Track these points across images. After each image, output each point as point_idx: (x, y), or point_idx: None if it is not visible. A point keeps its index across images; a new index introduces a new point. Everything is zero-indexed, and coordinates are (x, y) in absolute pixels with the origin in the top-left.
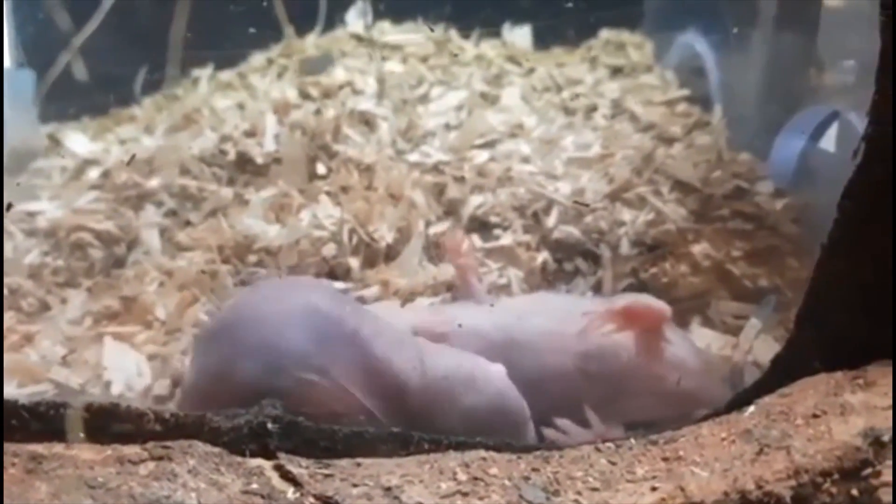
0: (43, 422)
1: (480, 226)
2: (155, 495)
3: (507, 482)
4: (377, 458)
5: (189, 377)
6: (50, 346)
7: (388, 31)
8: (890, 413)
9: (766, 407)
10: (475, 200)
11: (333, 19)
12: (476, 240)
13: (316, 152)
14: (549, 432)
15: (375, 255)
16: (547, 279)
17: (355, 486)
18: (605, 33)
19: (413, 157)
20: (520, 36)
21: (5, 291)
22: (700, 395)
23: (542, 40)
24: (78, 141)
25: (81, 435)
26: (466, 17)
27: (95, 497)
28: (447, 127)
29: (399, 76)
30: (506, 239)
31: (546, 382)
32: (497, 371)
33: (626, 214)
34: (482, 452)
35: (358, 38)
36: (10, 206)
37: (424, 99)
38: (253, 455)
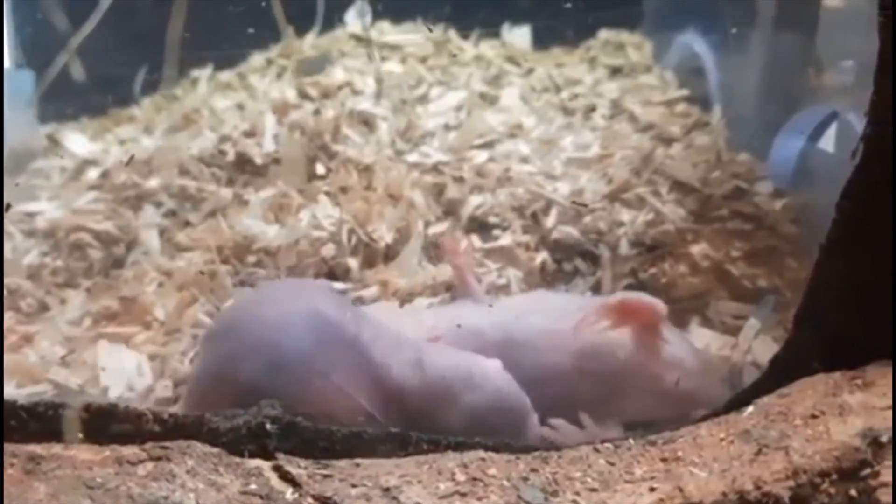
0: (42, 422)
1: (479, 226)
2: (153, 496)
3: (505, 483)
4: (376, 459)
5: (193, 378)
6: (49, 347)
7: (387, 32)
8: (888, 413)
9: (765, 407)
10: (474, 201)
11: (333, 19)
12: (475, 240)
13: (315, 152)
14: (543, 430)
15: (374, 256)
16: (546, 279)
17: (354, 486)
18: (605, 33)
19: (412, 157)
20: (519, 36)
21: (4, 292)
22: (698, 395)
23: (542, 40)
24: (77, 141)
25: (80, 435)
26: (465, 18)
27: (94, 497)
28: (446, 127)
29: (398, 76)
30: (505, 239)
31: (544, 381)
32: (494, 366)
33: (625, 215)
34: (481, 453)
35: (357, 39)
36: (9, 206)
37: (423, 99)
38: (252, 456)
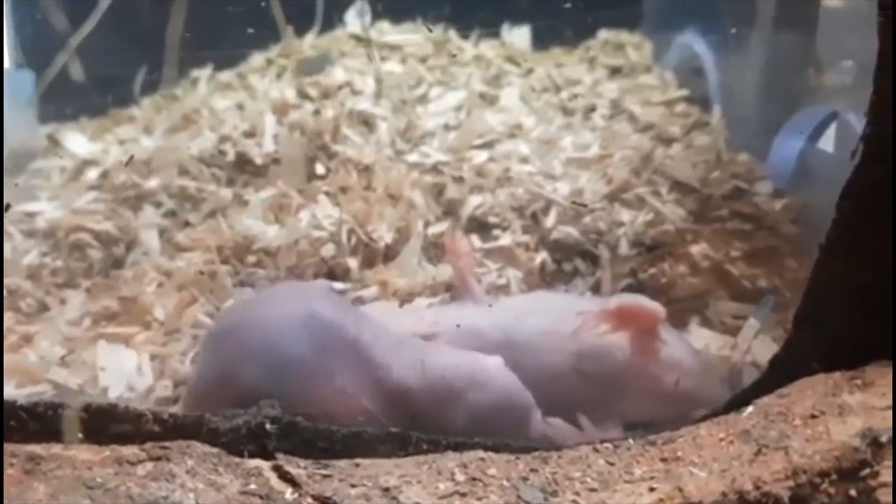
0: (41, 422)
1: (479, 226)
2: (153, 496)
3: (505, 483)
4: (375, 459)
5: (193, 380)
6: (48, 347)
7: (386, 32)
8: (888, 413)
9: (765, 407)
10: (474, 201)
11: (332, 19)
12: (475, 240)
13: (315, 153)
14: (546, 426)
15: (374, 256)
16: (546, 280)
17: (353, 486)
18: (604, 34)
19: (412, 157)
20: (518, 36)
21: (4, 292)
22: (697, 395)
23: (541, 41)
24: (77, 141)
25: (79, 435)
26: (465, 18)
27: (94, 497)
28: (446, 127)
29: (398, 76)
30: (504, 239)
31: (543, 382)
32: (495, 363)
33: (625, 215)
34: (480, 453)
35: (357, 39)
36: (8, 206)
37: (423, 99)
38: (251, 456)
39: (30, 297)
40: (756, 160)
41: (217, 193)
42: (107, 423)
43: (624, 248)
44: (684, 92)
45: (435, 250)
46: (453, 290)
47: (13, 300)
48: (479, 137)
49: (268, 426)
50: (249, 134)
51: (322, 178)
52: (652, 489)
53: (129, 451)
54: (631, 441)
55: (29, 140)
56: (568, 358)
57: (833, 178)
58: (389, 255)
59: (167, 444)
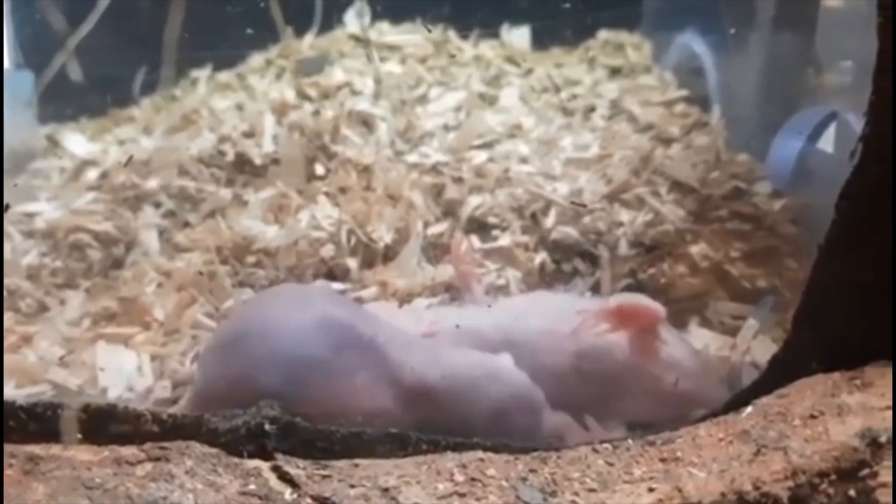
0: (40, 423)
1: (479, 226)
2: (152, 496)
3: (504, 483)
4: (375, 459)
5: (202, 383)
6: (48, 347)
7: (386, 32)
8: (887, 414)
9: (764, 408)
10: (474, 201)
11: (331, 20)
12: (474, 240)
13: (314, 153)
14: (557, 420)
15: (374, 256)
16: (545, 280)
17: (353, 486)
18: (604, 34)
19: (411, 157)
20: (518, 36)
21: (4, 292)
22: (697, 395)
23: (541, 41)
24: (76, 142)
25: (79, 436)
26: (465, 18)
27: (92, 498)
28: (446, 128)
29: (398, 77)
30: (504, 240)
31: (543, 382)
32: (506, 361)
33: (625, 215)
34: (479, 453)
35: (356, 39)
36: (8, 206)
37: (423, 100)
38: (251, 456)
39: (29, 298)
40: (755, 160)
41: (216, 194)
42: (106, 424)
43: (623, 248)
44: (684, 92)
45: (434, 251)
46: (452, 291)
47: (13, 300)
48: (478, 138)
49: (267, 426)
50: (249, 134)
51: (321, 178)
52: (651, 489)
53: (128, 451)
54: (630, 441)
55: (28, 140)
56: (567, 358)
57: (832, 179)
58: (389, 255)
59: (166, 444)
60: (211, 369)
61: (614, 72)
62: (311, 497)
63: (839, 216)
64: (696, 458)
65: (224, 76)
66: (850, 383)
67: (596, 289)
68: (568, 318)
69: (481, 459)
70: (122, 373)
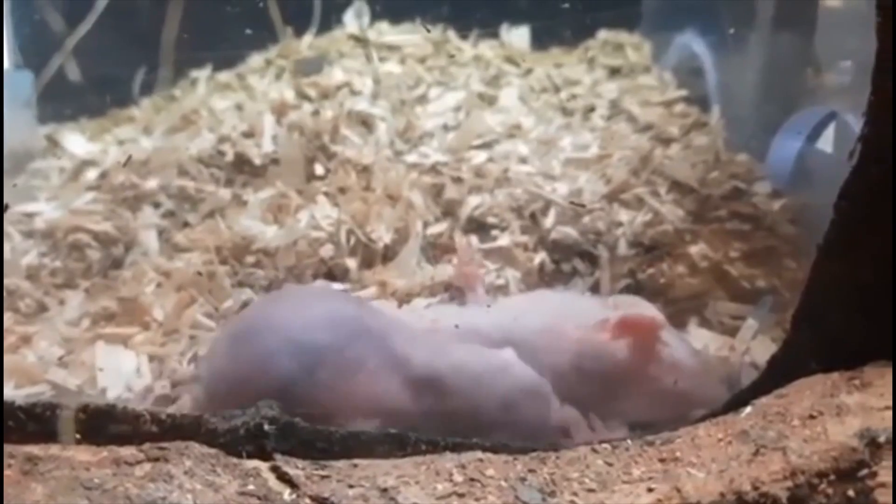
0: (39, 423)
1: (478, 226)
2: (151, 497)
3: (503, 483)
4: (374, 460)
5: (213, 374)
6: (47, 348)
7: (385, 32)
8: (886, 414)
9: (763, 408)
10: (473, 201)
11: (330, 20)
12: (474, 240)
13: (314, 153)
14: (564, 413)
15: (373, 256)
16: (544, 280)
17: (351, 487)
18: (603, 34)
19: (411, 157)
20: (518, 36)
21: (3, 292)
22: (698, 395)
23: (540, 41)
24: (76, 142)
25: (77, 436)
26: (464, 18)
27: (91, 498)
28: (445, 128)
29: (397, 77)
30: (503, 240)
31: None
32: (510, 355)
33: (624, 215)
34: (478, 453)
35: (355, 39)
36: (7, 207)
37: (422, 100)
38: (249, 456)
39: (28, 298)
40: (755, 160)
41: (216, 194)
42: (105, 424)
43: (623, 248)
44: (683, 92)
45: (433, 251)
46: (451, 291)
47: (12, 300)
48: (478, 138)
49: (266, 427)
50: (248, 134)
51: (321, 178)
52: (650, 490)
53: (127, 451)
54: (629, 441)
55: (28, 140)
56: (568, 357)
57: (831, 179)
58: (388, 255)
59: (165, 444)
60: (224, 361)
61: (614, 72)
62: (310, 497)
63: (838, 216)
64: (695, 458)
65: (224, 76)
66: (849, 383)
67: (595, 289)
68: (568, 316)
69: (480, 460)
70: (122, 373)
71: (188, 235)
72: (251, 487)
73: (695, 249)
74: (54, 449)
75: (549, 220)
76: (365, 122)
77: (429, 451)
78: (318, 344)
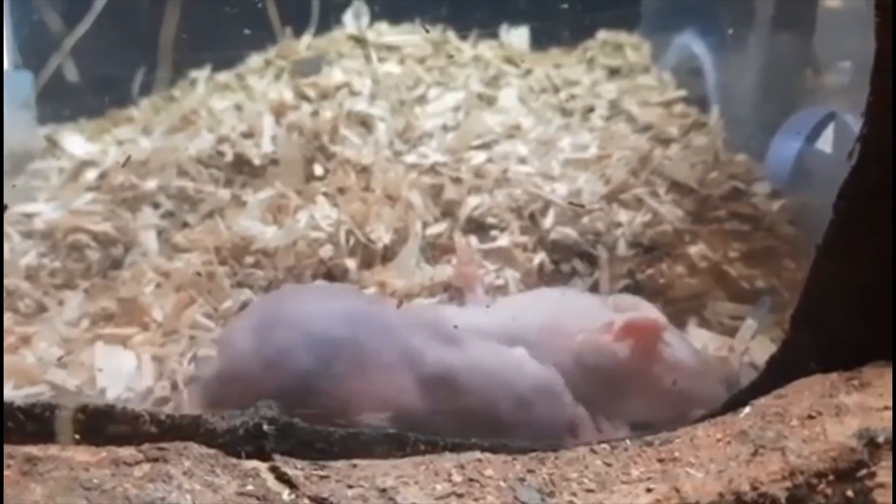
0: (38, 423)
1: (477, 227)
2: (150, 497)
3: (502, 483)
4: (373, 460)
5: (221, 371)
6: (47, 348)
7: (385, 32)
8: (885, 414)
9: (762, 408)
10: (472, 201)
11: (329, 20)
12: (473, 241)
13: (313, 153)
14: (577, 409)
15: (372, 257)
16: (544, 280)
17: (350, 487)
18: (603, 34)
19: (410, 158)
20: (517, 37)
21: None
22: (700, 395)
23: (540, 41)
24: (75, 142)
25: (77, 437)
26: (464, 18)
27: (90, 499)
28: (444, 128)
29: (396, 77)
30: (503, 240)
31: None
32: (522, 353)
33: (623, 215)
34: (478, 454)
35: (355, 40)
36: (7, 207)
37: (422, 100)
38: (248, 457)
39: (28, 298)
40: (754, 161)
41: (215, 194)
42: (104, 425)
43: (622, 248)
44: (682, 92)
45: (433, 251)
46: (451, 291)
47: (11, 301)
48: (477, 138)
49: (265, 427)
50: (248, 135)
51: (320, 178)
52: (649, 490)
53: (126, 452)
54: (628, 441)
55: (27, 141)
56: (569, 355)
57: (831, 179)
58: (387, 255)
59: (164, 445)
60: (237, 354)
61: (613, 72)
62: (309, 497)
63: (837, 216)
64: (694, 458)
65: (223, 77)
66: (848, 384)
67: (594, 289)
68: (568, 315)
69: (479, 460)
70: (121, 373)
71: (187, 236)
72: (250, 488)
73: (694, 250)
74: (53, 449)
75: (548, 221)
76: (364, 123)
77: (428, 451)
78: (333, 335)
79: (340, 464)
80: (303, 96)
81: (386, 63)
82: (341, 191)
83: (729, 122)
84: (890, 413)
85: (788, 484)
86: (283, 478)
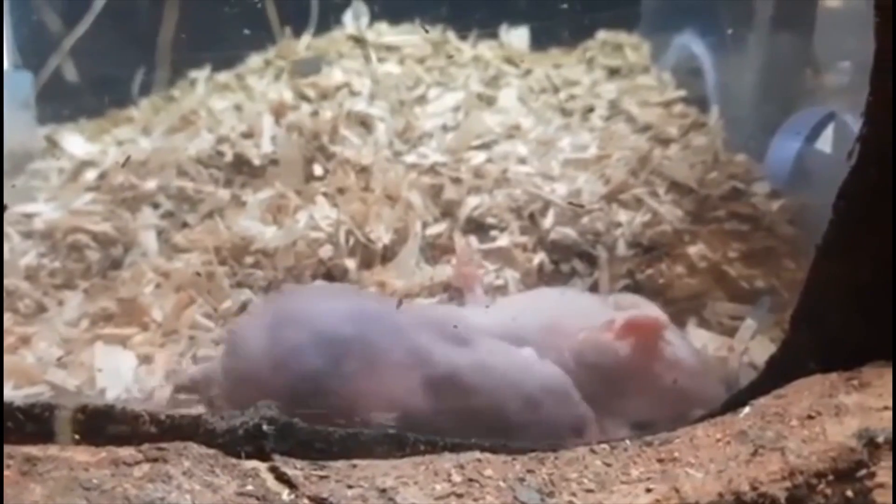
0: (38, 424)
1: (477, 227)
2: (149, 497)
3: (501, 483)
4: (372, 460)
5: (233, 369)
6: (46, 348)
7: (384, 33)
8: (885, 414)
9: (762, 408)
10: (472, 202)
11: (329, 20)
12: (473, 241)
13: (313, 153)
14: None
15: (372, 257)
16: (543, 280)
17: (350, 487)
18: (602, 34)
19: (410, 158)
20: (517, 37)
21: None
22: (701, 394)
23: (539, 41)
24: (75, 142)
25: (76, 437)
26: (463, 19)
27: (90, 499)
28: (444, 128)
29: (396, 77)
30: (502, 240)
31: None
32: (529, 353)
33: (623, 215)
34: (477, 454)
35: (354, 40)
36: (6, 207)
37: (421, 100)
38: (248, 457)
39: (28, 298)
40: (753, 161)
41: (215, 194)
42: (103, 425)
43: (621, 248)
44: (682, 93)
45: (433, 251)
46: (450, 291)
47: (11, 301)
48: (477, 138)
49: (265, 427)
50: (247, 135)
51: (320, 179)
52: (648, 490)
53: (126, 452)
54: (628, 441)
55: (27, 141)
56: (569, 355)
57: (830, 179)
58: (387, 256)
59: (164, 445)
60: (246, 354)
61: (613, 72)
62: (309, 498)
63: (837, 216)
64: (694, 458)
65: (222, 77)
66: (848, 384)
67: (594, 289)
68: (568, 314)
69: (479, 460)
70: (121, 373)
71: (187, 236)
72: (250, 488)
73: (693, 250)
74: (53, 449)
75: (547, 221)
76: (364, 123)
77: (427, 451)
78: (342, 334)
79: (340, 464)
80: (302, 96)
81: (386, 63)
82: (341, 191)
83: (728, 122)
84: (890, 413)
85: (788, 484)
86: (282, 478)
